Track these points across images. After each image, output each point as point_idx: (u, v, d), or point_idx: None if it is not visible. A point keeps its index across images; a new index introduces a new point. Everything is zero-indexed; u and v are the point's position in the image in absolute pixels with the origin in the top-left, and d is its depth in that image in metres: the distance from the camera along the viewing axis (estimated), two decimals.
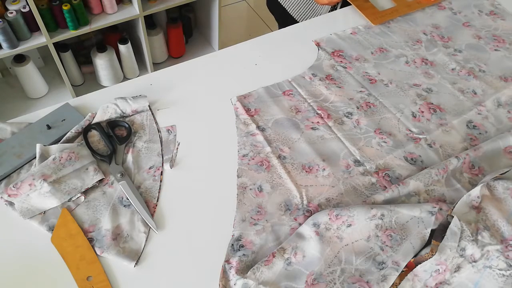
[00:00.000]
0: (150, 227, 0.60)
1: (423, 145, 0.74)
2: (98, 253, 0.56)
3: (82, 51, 1.81)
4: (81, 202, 0.62)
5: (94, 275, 0.54)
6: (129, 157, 0.67)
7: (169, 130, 0.72)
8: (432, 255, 0.56)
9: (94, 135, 0.70)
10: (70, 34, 1.53)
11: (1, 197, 0.61)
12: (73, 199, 0.61)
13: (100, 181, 0.64)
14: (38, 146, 0.64)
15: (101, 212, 0.61)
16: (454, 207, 0.60)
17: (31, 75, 1.64)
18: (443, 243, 0.56)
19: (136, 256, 0.57)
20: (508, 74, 0.88)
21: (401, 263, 0.57)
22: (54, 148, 0.65)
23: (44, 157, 0.63)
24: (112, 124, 0.71)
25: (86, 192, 0.63)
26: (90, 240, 0.58)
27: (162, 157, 0.68)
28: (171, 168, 0.67)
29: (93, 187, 0.63)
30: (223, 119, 0.75)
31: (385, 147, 0.73)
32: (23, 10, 1.42)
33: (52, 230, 0.58)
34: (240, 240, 0.59)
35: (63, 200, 0.61)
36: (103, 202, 0.62)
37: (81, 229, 0.58)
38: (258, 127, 0.74)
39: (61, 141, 0.67)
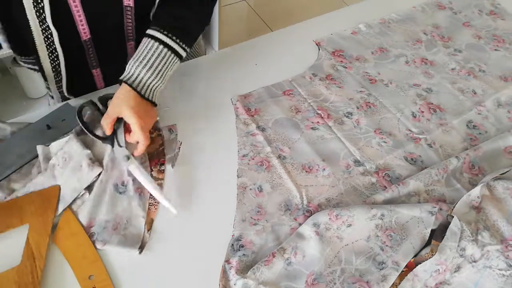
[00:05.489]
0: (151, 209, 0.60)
1: (423, 145, 0.74)
2: (100, 246, 0.56)
3: None
4: (86, 198, 0.61)
5: (96, 274, 0.54)
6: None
7: (170, 129, 0.72)
8: (432, 255, 0.56)
9: (91, 117, 0.67)
10: None
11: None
12: (78, 197, 0.61)
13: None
14: (39, 148, 0.63)
15: (100, 204, 0.60)
16: (454, 207, 0.60)
17: (31, 75, 1.64)
18: (443, 243, 0.56)
19: (138, 241, 0.57)
20: (508, 74, 0.88)
21: (401, 263, 0.57)
22: (53, 145, 0.64)
23: (47, 158, 0.63)
24: (104, 99, 0.67)
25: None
26: (92, 235, 0.58)
27: (164, 156, 0.68)
28: (172, 167, 0.67)
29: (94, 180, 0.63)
30: (223, 119, 0.75)
31: (385, 147, 0.73)
32: None
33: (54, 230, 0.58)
34: (240, 240, 0.59)
35: (67, 204, 0.60)
36: (101, 193, 0.61)
37: (83, 228, 0.58)
38: (258, 127, 0.74)
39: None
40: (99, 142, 0.66)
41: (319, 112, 0.77)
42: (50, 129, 0.68)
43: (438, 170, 0.67)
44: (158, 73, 0.65)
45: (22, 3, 0.61)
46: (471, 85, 0.85)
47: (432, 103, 0.81)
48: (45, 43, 0.67)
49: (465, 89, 0.85)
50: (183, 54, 0.68)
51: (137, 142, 0.63)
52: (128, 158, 0.62)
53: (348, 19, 0.98)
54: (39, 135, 0.67)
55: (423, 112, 0.79)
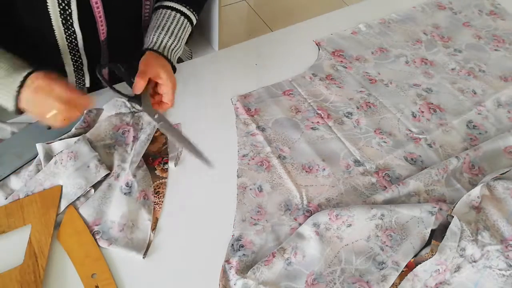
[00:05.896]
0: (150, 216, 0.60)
1: (423, 145, 0.74)
2: (106, 245, 0.57)
3: None
4: (91, 195, 0.61)
5: (99, 273, 0.54)
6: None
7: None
8: (432, 255, 0.56)
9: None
10: None
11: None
12: (83, 194, 0.61)
13: (107, 174, 0.63)
14: (39, 145, 0.63)
15: (106, 204, 0.61)
16: (454, 207, 0.61)
17: None
18: (443, 243, 0.56)
19: (143, 247, 0.57)
20: (508, 74, 0.88)
21: (401, 263, 0.57)
22: (57, 144, 0.64)
23: (48, 155, 0.63)
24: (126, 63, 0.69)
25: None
26: (97, 233, 0.58)
27: (167, 155, 0.68)
28: (175, 166, 0.67)
29: (100, 180, 0.63)
30: (223, 119, 0.75)
31: (385, 147, 0.73)
32: None
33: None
34: (240, 240, 0.59)
35: (70, 201, 0.60)
36: (108, 195, 0.62)
37: (87, 227, 0.58)
38: (258, 127, 0.74)
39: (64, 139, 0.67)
40: (106, 148, 0.66)
41: (319, 112, 0.77)
42: (50, 129, 0.68)
43: (438, 170, 0.67)
44: (177, 38, 0.72)
45: (48, 14, 0.63)
46: (471, 85, 0.85)
47: (432, 103, 0.81)
48: (69, 48, 0.70)
49: (465, 89, 0.85)
50: (194, 20, 0.76)
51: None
52: (159, 116, 0.65)
53: (348, 19, 0.98)
54: (39, 135, 0.67)
55: (423, 112, 0.79)
